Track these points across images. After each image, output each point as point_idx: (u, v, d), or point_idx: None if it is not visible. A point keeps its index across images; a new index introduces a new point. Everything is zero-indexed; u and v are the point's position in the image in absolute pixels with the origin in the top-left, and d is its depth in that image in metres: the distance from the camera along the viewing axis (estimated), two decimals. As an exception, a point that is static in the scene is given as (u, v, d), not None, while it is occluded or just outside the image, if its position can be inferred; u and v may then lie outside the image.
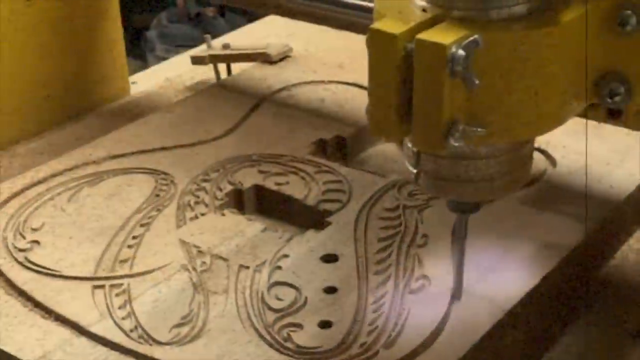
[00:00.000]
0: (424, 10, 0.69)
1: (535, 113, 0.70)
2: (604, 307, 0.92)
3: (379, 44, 0.67)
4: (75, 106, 1.25)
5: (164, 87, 1.32)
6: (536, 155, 1.00)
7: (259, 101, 1.19)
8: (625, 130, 0.95)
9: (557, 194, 0.99)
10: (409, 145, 0.74)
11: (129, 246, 0.93)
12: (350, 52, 1.28)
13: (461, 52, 0.64)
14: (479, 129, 0.68)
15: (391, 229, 0.94)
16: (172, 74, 1.35)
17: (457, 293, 0.85)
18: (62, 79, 1.24)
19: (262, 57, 1.29)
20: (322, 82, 1.24)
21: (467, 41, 0.65)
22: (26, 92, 1.20)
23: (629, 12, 0.69)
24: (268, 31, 1.39)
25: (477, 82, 0.65)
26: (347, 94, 1.21)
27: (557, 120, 0.72)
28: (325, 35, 1.32)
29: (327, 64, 1.29)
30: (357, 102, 1.19)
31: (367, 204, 0.98)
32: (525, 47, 0.67)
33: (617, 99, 0.72)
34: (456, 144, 0.68)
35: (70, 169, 1.05)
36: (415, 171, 0.76)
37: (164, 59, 1.69)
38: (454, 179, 0.75)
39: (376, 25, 0.67)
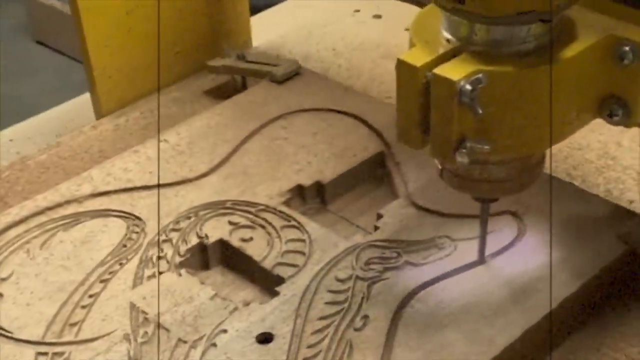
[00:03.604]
0: (447, 41, 0.82)
1: (535, 133, 0.82)
2: None
3: (404, 72, 0.80)
4: (202, 60, 1.35)
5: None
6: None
7: (252, 132, 1.20)
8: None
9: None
10: None
11: (83, 307, 0.97)
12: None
13: (468, 86, 0.77)
14: (485, 147, 0.80)
15: (335, 305, 0.95)
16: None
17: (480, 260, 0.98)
18: (191, 36, 1.36)
19: (269, 76, 1.29)
20: (321, 110, 1.23)
21: (473, 78, 0.77)
22: (160, 49, 1.31)
23: (626, 48, 0.80)
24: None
25: (480, 111, 0.78)
26: (340, 127, 1.20)
27: (557, 138, 0.84)
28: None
29: (331, 85, 1.28)
30: (349, 137, 1.18)
31: (321, 271, 0.99)
32: (526, 81, 0.79)
33: (616, 119, 0.84)
34: (462, 160, 0.80)
35: (52, 208, 1.09)
36: (440, 168, 0.90)
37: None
38: (472, 178, 0.88)
39: (402, 56, 0.80)
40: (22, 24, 3.36)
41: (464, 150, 0.80)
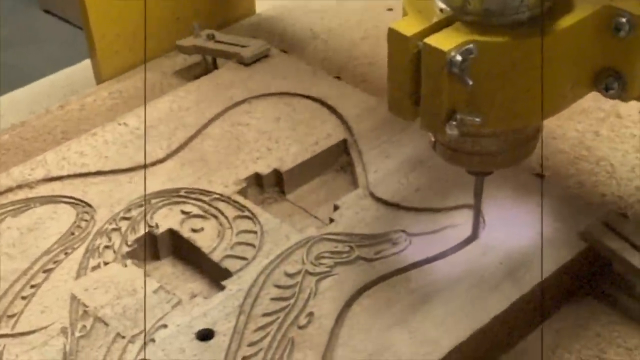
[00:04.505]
0: (441, 10, 0.80)
1: (528, 106, 0.80)
2: None
3: (395, 41, 0.78)
4: (204, 26, 1.32)
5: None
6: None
7: (215, 117, 1.16)
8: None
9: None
10: None
11: (23, 297, 0.95)
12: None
13: (458, 57, 0.75)
14: (475, 119, 0.78)
15: (281, 301, 0.92)
16: None
17: (473, 237, 0.97)
18: (193, 2, 1.35)
19: (237, 57, 1.25)
20: (287, 94, 1.20)
21: (463, 48, 0.75)
22: (160, 15, 1.31)
23: (623, 20, 0.78)
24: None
25: (470, 82, 0.75)
26: (305, 112, 1.16)
27: (550, 112, 0.82)
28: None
29: (300, 68, 1.25)
30: (313, 123, 1.15)
31: (270, 265, 0.96)
32: (518, 53, 0.77)
33: (611, 92, 0.82)
34: (450, 132, 0.78)
35: (3, 192, 1.07)
36: (433, 140, 0.88)
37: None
38: (463, 151, 0.86)
39: (393, 25, 0.78)
40: (30, -8, 3.34)
41: (454, 123, 0.78)
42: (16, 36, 3.14)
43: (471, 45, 0.76)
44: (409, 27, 0.78)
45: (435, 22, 0.79)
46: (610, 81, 0.81)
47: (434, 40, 0.76)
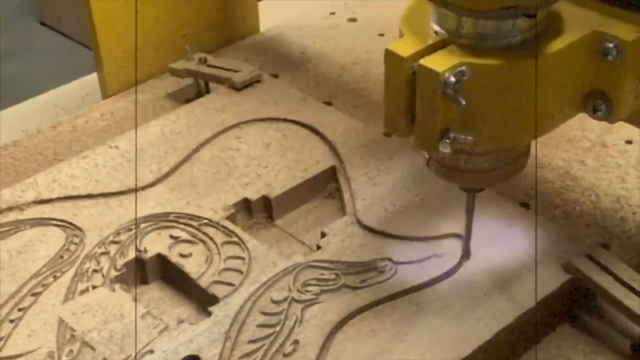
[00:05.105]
0: (436, 33, 0.83)
1: (518, 126, 0.83)
2: None
3: (391, 62, 0.81)
4: (209, 43, 1.39)
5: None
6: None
7: (205, 141, 1.17)
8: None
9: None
10: None
11: (11, 321, 0.96)
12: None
13: (452, 78, 0.78)
14: (468, 137, 0.80)
15: (267, 328, 0.93)
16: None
17: (465, 254, 0.99)
18: (199, 19, 1.39)
19: (228, 82, 1.26)
20: (277, 119, 1.21)
21: (457, 70, 0.78)
22: (168, 32, 1.35)
23: (610, 45, 0.81)
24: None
25: (463, 102, 0.78)
26: (295, 139, 1.18)
27: (540, 131, 0.84)
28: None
29: (291, 94, 1.26)
30: (302, 149, 1.16)
31: (256, 292, 0.97)
32: (510, 75, 0.80)
33: (599, 114, 0.84)
34: (445, 151, 0.81)
35: (-7, 215, 1.08)
36: (427, 157, 0.91)
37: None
38: (456, 168, 0.89)
39: (390, 46, 0.81)
40: (27, 4, 3.35)
41: (447, 141, 0.81)
42: (12, 48, 3.16)
43: (464, 67, 0.79)
44: (405, 48, 0.81)
45: (430, 44, 0.82)
46: (598, 103, 0.84)
47: (428, 62, 0.79)
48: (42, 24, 3.31)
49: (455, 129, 0.81)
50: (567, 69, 0.82)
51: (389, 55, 0.81)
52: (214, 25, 1.41)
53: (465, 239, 0.99)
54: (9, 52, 3.11)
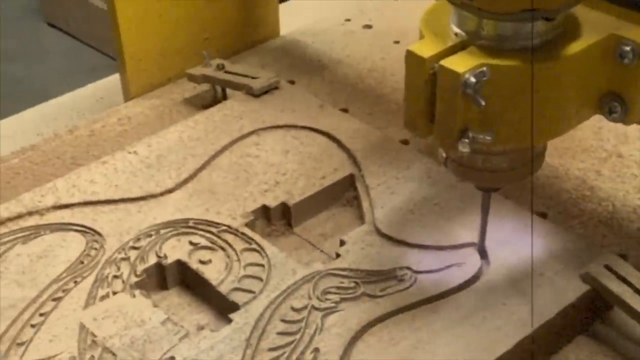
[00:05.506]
0: (456, 34, 0.85)
1: (536, 126, 0.84)
2: None
3: (412, 63, 0.83)
4: (231, 47, 1.41)
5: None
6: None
7: (224, 148, 1.18)
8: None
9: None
10: None
11: (32, 325, 0.96)
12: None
13: (472, 79, 0.80)
14: (486, 137, 0.82)
15: (287, 336, 0.94)
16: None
17: (481, 254, 1.01)
18: (221, 23, 1.40)
19: (246, 89, 1.27)
20: (295, 127, 1.21)
21: (477, 71, 0.80)
22: (189, 35, 1.37)
23: (627, 48, 0.83)
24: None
25: (483, 103, 0.80)
26: (313, 146, 1.18)
27: (557, 132, 0.87)
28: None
29: (308, 101, 1.26)
30: (321, 157, 1.16)
31: (276, 299, 0.97)
32: (528, 76, 0.81)
33: (614, 116, 0.86)
34: (463, 150, 0.83)
35: (13, 219, 1.08)
36: (444, 156, 0.93)
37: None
38: (474, 167, 0.90)
39: (412, 47, 0.83)
40: (34, 5, 3.35)
41: (466, 140, 0.82)
42: (20, 49, 3.16)
43: (484, 68, 0.80)
44: (426, 49, 0.83)
45: (450, 45, 0.84)
46: (614, 105, 0.86)
47: (449, 63, 0.81)
48: (50, 25, 3.31)
49: (474, 129, 0.83)
50: (584, 71, 0.84)
51: (410, 56, 0.83)
52: (235, 29, 1.42)
53: (481, 237, 1.00)
54: (16, 53, 3.12)
